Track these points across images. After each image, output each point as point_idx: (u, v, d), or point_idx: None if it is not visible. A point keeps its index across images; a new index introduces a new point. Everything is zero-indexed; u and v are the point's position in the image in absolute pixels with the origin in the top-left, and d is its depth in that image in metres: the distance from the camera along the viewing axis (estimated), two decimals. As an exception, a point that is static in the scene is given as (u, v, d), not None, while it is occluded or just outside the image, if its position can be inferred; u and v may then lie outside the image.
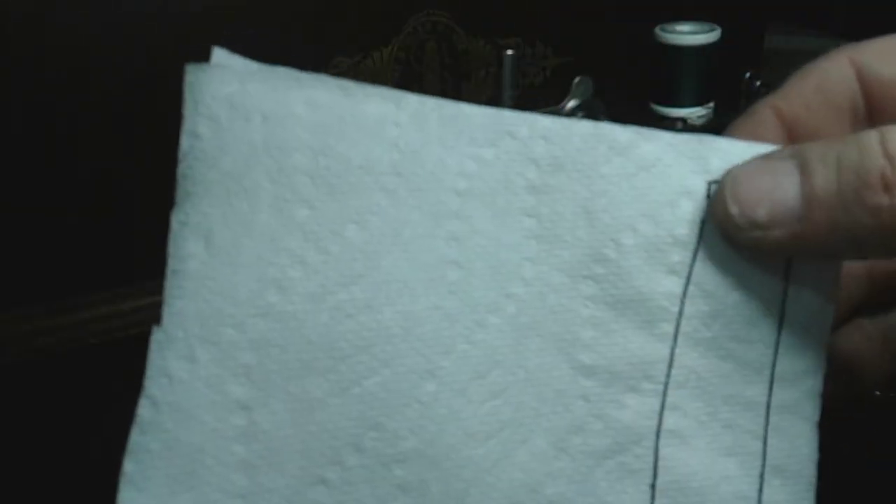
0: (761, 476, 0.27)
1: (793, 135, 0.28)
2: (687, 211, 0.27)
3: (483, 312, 0.27)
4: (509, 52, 0.69)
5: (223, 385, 0.26)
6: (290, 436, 0.26)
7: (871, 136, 0.22)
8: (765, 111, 0.28)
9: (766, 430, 0.27)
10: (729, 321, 0.27)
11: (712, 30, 0.74)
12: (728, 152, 0.27)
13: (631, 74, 0.76)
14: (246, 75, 0.26)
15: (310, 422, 0.26)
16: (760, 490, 0.27)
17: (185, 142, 0.26)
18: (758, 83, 0.80)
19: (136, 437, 0.25)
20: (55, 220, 0.57)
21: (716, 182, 0.26)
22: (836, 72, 0.27)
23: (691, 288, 0.27)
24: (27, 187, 0.56)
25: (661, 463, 0.27)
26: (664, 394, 0.27)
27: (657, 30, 0.74)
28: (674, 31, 0.74)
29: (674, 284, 0.27)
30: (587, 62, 0.74)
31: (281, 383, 0.26)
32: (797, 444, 0.27)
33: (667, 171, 0.27)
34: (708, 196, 0.26)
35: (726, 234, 0.25)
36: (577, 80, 0.73)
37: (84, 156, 0.56)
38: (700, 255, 0.27)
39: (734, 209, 0.24)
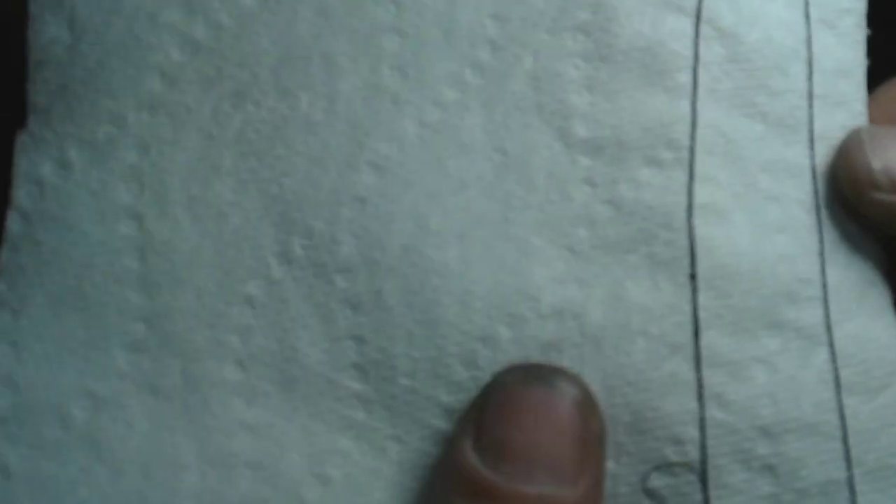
0: (821, 255, 0.22)
1: None
2: None
3: (439, 87, 0.22)
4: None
5: (105, 190, 0.22)
6: (197, 246, 0.22)
7: None
8: None
9: (816, 200, 0.22)
10: (753, 67, 0.23)
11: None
12: None
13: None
14: None
15: (222, 230, 0.22)
16: (823, 270, 0.22)
17: None
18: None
19: (6, 255, 0.22)
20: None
21: None
22: None
23: (704, 27, 0.22)
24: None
25: (699, 245, 0.22)
26: (691, 162, 0.22)
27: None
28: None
29: (682, 24, 0.22)
30: None
31: (179, 185, 0.22)
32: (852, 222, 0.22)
33: None
34: None
35: (853, 190, 0.22)
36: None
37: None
38: None
39: (877, 163, 0.21)
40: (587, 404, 0.20)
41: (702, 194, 0.22)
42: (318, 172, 0.22)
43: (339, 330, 0.22)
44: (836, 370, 0.21)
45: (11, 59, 0.24)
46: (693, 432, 0.21)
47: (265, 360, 0.22)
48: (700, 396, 0.21)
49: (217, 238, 0.22)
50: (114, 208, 0.22)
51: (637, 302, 0.21)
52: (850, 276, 0.22)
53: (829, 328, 0.21)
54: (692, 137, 0.22)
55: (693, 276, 0.21)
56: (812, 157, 0.22)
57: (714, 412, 0.21)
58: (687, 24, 0.22)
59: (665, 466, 0.21)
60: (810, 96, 0.23)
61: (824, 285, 0.22)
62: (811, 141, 0.22)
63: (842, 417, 0.21)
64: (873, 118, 0.23)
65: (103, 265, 0.22)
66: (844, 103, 0.23)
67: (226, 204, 0.22)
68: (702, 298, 0.21)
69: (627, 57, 0.22)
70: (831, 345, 0.21)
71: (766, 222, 0.22)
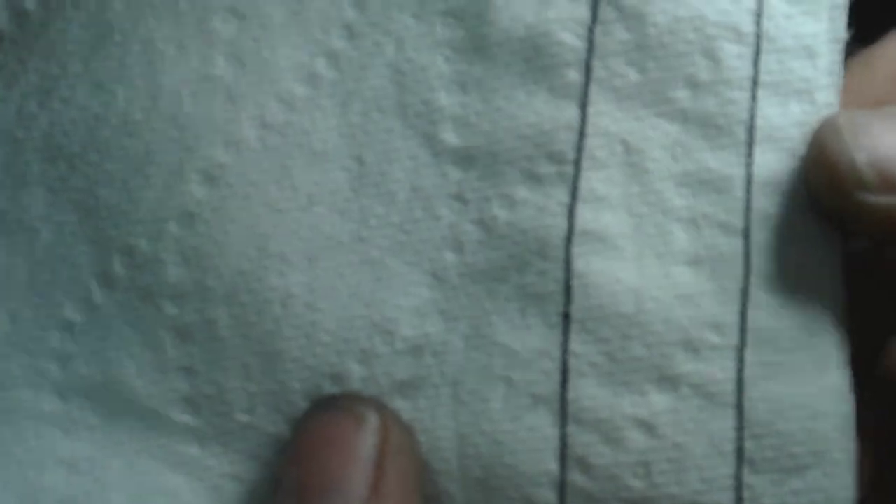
0: (744, 291, 0.18)
1: None
2: None
3: (286, 82, 0.19)
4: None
5: None
6: (8, 265, 0.20)
7: None
8: None
9: (747, 220, 0.18)
10: (670, 54, 0.18)
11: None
12: None
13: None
14: None
15: (34, 247, 0.20)
16: (744, 313, 0.18)
17: None
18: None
19: None
20: None
21: None
22: None
23: (603, 8, 0.19)
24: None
25: (575, 281, 0.18)
26: (575, 177, 0.18)
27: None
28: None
29: (576, 5, 0.19)
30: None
31: None
32: (798, 242, 0.18)
33: None
34: None
35: (832, 192, 0.18)
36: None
37: None
38: None
39: (861, 156, 0.17)
40: (383, 430, 0.18)
41: (586, 218, 0.18)
42: (138, 182, 0.19)
43: (168, 360, 0.19)
44: (740, 440, 0.18)
45: None
46: (550, 497, 0.18)
47: (87, 391, 0.20)
48: (562, 457, 0.18)
49: (29, 256, 0.20)
50: None
51: (502, 342, 0.18)
52: (784, 321, 0.18)
53: (739, 387, 0.18)
54: (578, 148, 0.18)
55: (566, 316, 0.18)
56: (749, 164, 0.18)
57: (576, 476, 0.18)
58: (582, 6, 0.19)
59: None
60: (754, 85, 0.18)
61: (742, 331, 0.18)
62: (749, 144, 0.18)
63: (738, 501, 0.17)
64: (844, 104, 0.19)
65: None
66: (806, 92, 0.18)
67: (36, 218, 0.20)
68: (574, 343, 0.18)
69: (504, 49, 0.19)
70: (739, 408, 0.18)
71: (671, 252, 0.18)
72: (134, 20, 0.20)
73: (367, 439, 0.18)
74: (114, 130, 0.19)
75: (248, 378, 0.19)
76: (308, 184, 0.19)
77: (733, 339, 0.18)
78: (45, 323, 0.20)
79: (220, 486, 0.19)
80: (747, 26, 0.18)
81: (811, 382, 0.18)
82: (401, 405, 0.19)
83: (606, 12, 0.19)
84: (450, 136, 0.19)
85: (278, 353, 0.19)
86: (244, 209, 0.19)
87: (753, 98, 0.18)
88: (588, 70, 0.19)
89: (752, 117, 0.18)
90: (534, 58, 0.19)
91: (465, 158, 0.19)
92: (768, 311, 0.18)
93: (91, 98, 0.20)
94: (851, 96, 0.19)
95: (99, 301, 0.20)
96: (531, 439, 0.18)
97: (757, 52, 0.18)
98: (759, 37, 0.18)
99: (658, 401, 0.18)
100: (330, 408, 0.19)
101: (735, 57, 0.18)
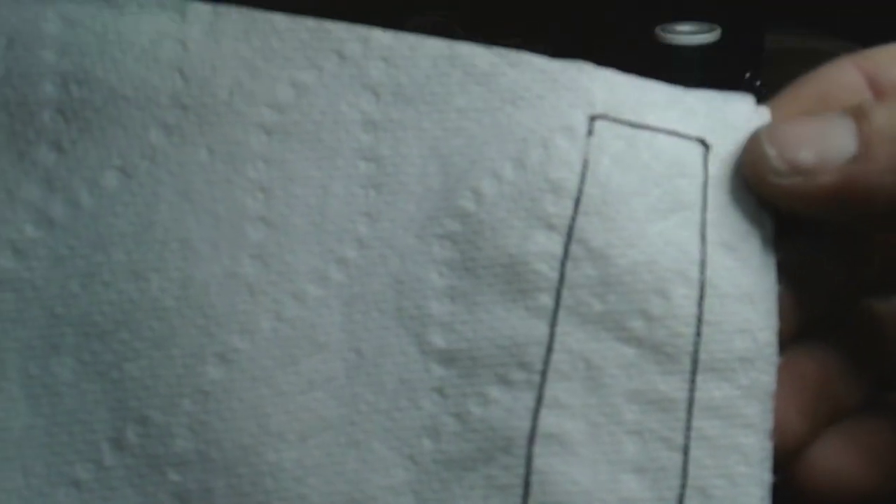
0: (679, 500, 0.21)
1: None
2: (564, 151, 0.21)
3: (301, 282, 0.22)
4: (509, 52, 0.69)
5: None
6: (29, 425, 0.21)
7: None
8: None
9: (687, 438, 0.21)
10: (628, 291, 0.21)
11: (712, 30, 0.74)
12: (615, 83, 0.23)
13: (631, 74, 0.76)
14: None
15: (56, 410, 0.21)
16: None
17: None
18: (758, 83, 0.80)
19: None
20: None
21: (602, 117, 0.22)
22: (842, 78, 0.25)
23: (574, 247, 0.21)
24: None
25: (534, 478, 0.21)
26: (541, 386, 0.21)
27: (657, 30, 0.74)
28: (674, 31, 0.74)
29: (551, 242, 0.21)
30: (587, 62, 0.74)
31: (18, 363, 0.21)
32: (731, 460, 0.21)
33: (538, 104, 0.22)
34: (590, 133, 0.22)
35: (756, 180, 0.22)
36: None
37: None
38: (584, 205, 0.21)
39: (771, 150, 0.22)
40: None
41: (548, 422, 0.21)
42: (162, 360, 0.21)
43: None
44: None
45: None
46: None
47: None
48: None
49: (50, 418, 0.21)
50: None
51: None
52: None
53: None
54: (546, 361, 0.21)
55: None
56: (691, 390, 0.21)
57: None
58: (556, 244, 0.21)
59: None
60: (699, 322, 0.21)
61: None
62: (693, 372, 0.21)
63: None
64: (785, 114, 0.24)
65: None
66: (747, 331, 0.21)
67: (63, 384, 0.21)
68: None
69: (489, 272, 0.22)
70: None
71: (620, 459, 0.21)
72: (176, 220, 0.22)
73: None
74: (145, 314, 0.21)
75: None
76: (310, 371, 0.21)
77: None
78: (55, 480, 0.21)
79: None
80: (693, 273, 0.21)
81: None
82: None
83: (577, 251, 0.21)
84: (437, 339, 0.22)
85: None
86: (251, 390, 0.21)
87: (698, 334, 0.21)
88: (558, 297, 0.21)
89: (696, 350, 0.21)
90: (514, 281, 0.21)
91: (448, 359, 0.22)
92: None
93: (129, 283, 0.21)
94: (791, 109, 0.24)
95: (108, 463, 0.21)
96: None
97: (701, 296, 0.21)
98: (703, 283, 0.21)
99: None
100: None
101: (683, 297, 0.21)
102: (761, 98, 0.24)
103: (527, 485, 0.21)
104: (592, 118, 0.22)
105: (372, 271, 0.22)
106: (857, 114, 0.22)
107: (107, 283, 0.21)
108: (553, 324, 0.21)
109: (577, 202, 0.21)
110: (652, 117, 0.22)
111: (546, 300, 0.21)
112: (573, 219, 0.21)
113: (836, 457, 0.24)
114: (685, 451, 0.21)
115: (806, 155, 0.21)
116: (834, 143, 0.21)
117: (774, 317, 0.22)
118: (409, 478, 0.21)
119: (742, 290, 0.21)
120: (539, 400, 0.21)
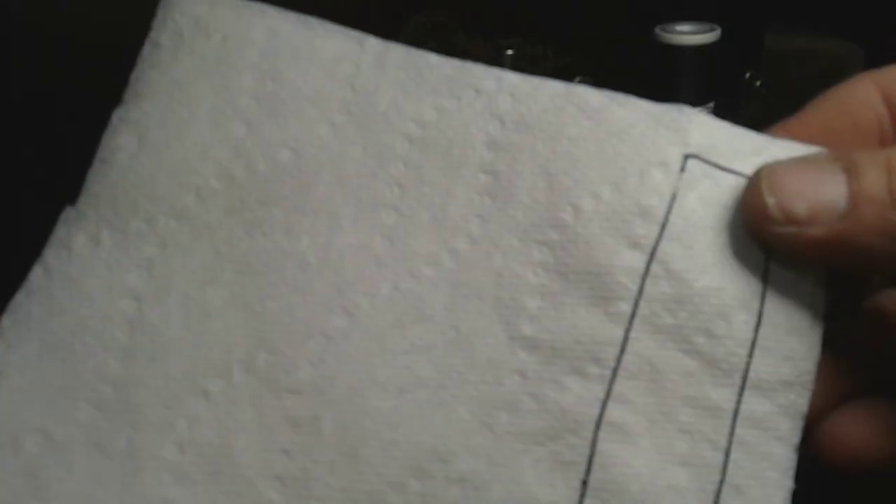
0: (717, 494, 0.23)
1: None
2: (658, 182, 0.24)
3: (418, 263, 0.25)
4: (509, 52, 0.69)
5: (122, 271, 0.25)
6: (178, 337, 0.25)
7: None
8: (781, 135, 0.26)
9: (729, 443, 0.23)
10: (697, 310, 0.24)
11: (712, 30, 0.74)
12: (711, 127, 0.25)
13: (631, 74, 0.76)
14: (217, 0, 0.27)
15: (203, 329, 0.25)
16: None
17: (145, 48, 0.27)
18: (758, 83, 0.80)
19: (20, 298, 0.25)
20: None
21: (693, 156, 0.24)
22: (860, 95, 0.26)
23: (655, 266, 0.24)
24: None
25: (597, 458, 0.23)
26: (611, 381, 0.24)
27: (657, 30, 0.74)
28: (674, 31, 0.74)
29: (635, 259, 0.24)
30: (587, 62, 0.74)
31: (181, 284, 0.25)
32: (763, 465, 0.23)
33: (640, 139, 0.25)
34: (682, 170, 0.24)
35: (755, 226, 0.23)
36: (576, 80, 0.73)
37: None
38: (669, 231, 0.24)
39: (770, 199, 0.23)
40: None
41: (614, 413, 0.24)
42: (298, 303, 0.25)
43: (274, 442, 0.24)
44: None
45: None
46: None
47: (202, 450, 0.24)
48: None
49: (197, 335, 0.25)
50: (121, 286, 0.25)
51: (531, 491, 0.23)
52: None
53: None
54: (618, 360, 0.24)
55: (584, 483, 0.23)
56: (738, 402, 0.23)
57: None
58: (640, 261, 0.24)
59: None
60: (753, 346, 0.24)
61: None
62: (742, 388, 0.24)
63: None
64: (798, 135, 0.25)
65: (96, 329, 0.25)
66: (792, 359, 0.24)
67: (214, 308, 0.25)
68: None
69: (578, 277, 0.24)
70: None
71: (671, 452, 0.23)
72: (329, 197, 0.26)
73: None
74: (292, 264, 0.25)
75: (331, 472, 0.24)
76: (414, 336, 0.24)
77: None
78: (189, 387, 0.24)
79: None
80: (755, 304, 0.24)
81: None
82: None
83: (657, 269, 0.24)
84: (525, 328, 0.24)
85: (359, 457, 0.24)
86: (365, 341, 0.24)
87: (751, 356, 0.24)
88: (635, 306, 0.24)
89: (747, 370, 0.24)
90: (598, 288, 0.24)
91: (532, 346, 0.24)
92: None
93: (283, 238, 0.25)
94: (813, 126, 0.26)
95: (237, 381, 0.24)
96: None
97: (758, 324, 0.24)
98: (761, 313, 0.24)
99: None
100: None
101: (743, 322, 0.24)
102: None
103: (589, 463, 0.23)
104: (686, 156, 0.24)
105: (478, 263, 0.25)
106: (850, 168, 0.22)
107: (265, 234, 0.25)
108: (628, 329, 0.24)
109: (663, 228, 0.24)
110: (738, 163, 0.25)
111: (624, 308, 0.24)
112: (657, 241, 0.24)
113: (853, 426, 0.25)
114: (727, 453, 0.23)
115: (800, 207, 0.22)
116: (826, 198, 0.22)
117: (817, 350, 0.24)
118: (484, 442, 0.24)
119: (793, 323, 0.24)
120: (608, 393, 0.24)
